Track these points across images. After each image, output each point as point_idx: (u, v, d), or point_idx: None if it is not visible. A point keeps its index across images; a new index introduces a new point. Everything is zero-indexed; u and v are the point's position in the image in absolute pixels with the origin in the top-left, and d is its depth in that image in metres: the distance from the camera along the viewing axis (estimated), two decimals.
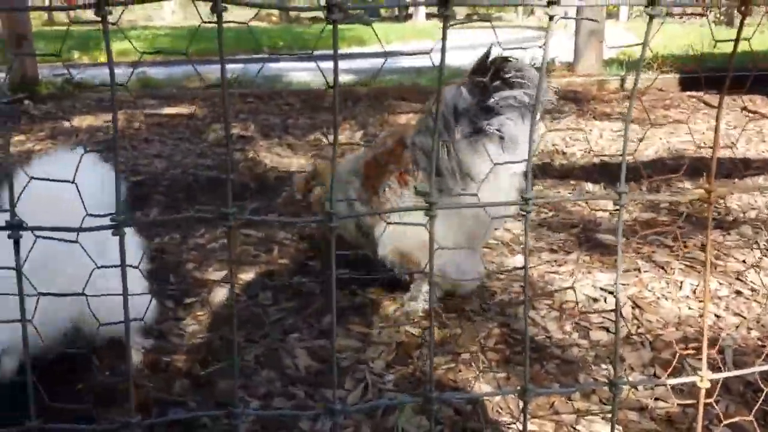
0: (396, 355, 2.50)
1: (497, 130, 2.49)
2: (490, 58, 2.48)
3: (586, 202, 3.98)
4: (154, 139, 5.95)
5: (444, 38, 0.95)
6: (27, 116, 6.97)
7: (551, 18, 0.98)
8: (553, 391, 2.26)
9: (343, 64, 10.70)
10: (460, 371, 2.40)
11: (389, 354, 2.51)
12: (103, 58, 12.49)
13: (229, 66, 10.46)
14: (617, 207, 1.09)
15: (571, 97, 7.36)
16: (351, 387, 2.31)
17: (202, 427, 2.07)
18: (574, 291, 2.94)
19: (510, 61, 2.49)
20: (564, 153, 5.23)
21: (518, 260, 3.29)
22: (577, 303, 2.87)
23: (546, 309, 2.82)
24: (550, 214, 3.89)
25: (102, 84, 8.37)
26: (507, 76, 2.46)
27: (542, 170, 4.75)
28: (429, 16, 28.94)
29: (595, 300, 2.92)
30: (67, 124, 6.29)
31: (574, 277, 3.09)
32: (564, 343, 2.59)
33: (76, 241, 1.00)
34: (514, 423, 2.13)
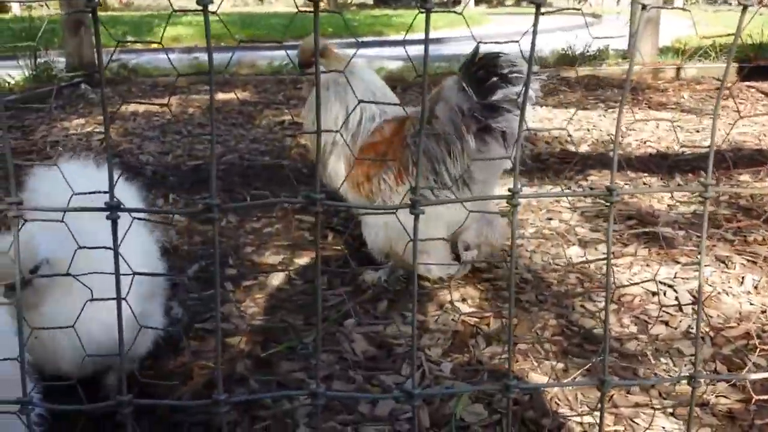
0: (452, 343, 2.51)
1: (504, 128, 2.52)
2: (479, 56, 2.48)
3: (671, 194, 3.92)
4: (208, 125, 6.05)
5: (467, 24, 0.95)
6: (85, 100, 7.15)
7: (538, 9, 0.95)
8: (632, 383, 2.23)
9: (391, 51, 10.76)
10: (517, 361, 2.40)
11: (445, 342, 2.52)
12: (155, 44, 12.72)
13: (279, 53, 10.55)
14: (683, 200, 1.08)
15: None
16: (407, 373, 2.33)
17: (262, 408, 2.13)
18: (656, 283, 2.90)
19: (500, 56, 2.49)
20: (619, 143, 5.14)
21: (574, 251, 3.26)
22: (657, 295, 2.83)
23: (603, 302, 2.79)
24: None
25: (159, 73, 8.54)
26: (503, 72, 2.47)
27: (599, 161, 4.68)
28: (478, 1, 28.61)
29: (654, 294, 2.87)
30: (125, 108, 6.44)
31: (654, 273, 3.05)
32: (623, 337, 2.56)
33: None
34: (573, 415, 2.12)
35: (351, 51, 11.13)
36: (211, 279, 2.70)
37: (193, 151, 5.18)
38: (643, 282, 2.93)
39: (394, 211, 1.04)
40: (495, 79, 2.48)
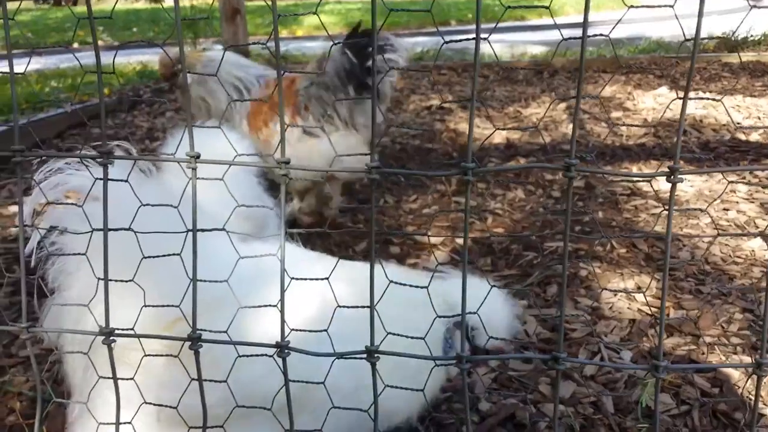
0: (630, 331, 2.44)
1: (379, 87, 3.14)
2: (361, 29, 3.07)
3: None
4: None
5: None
6: None
7: None
8: None
9: (534, 36, 10.52)
10: (703, 354, 2.29)
11: (622, 330, 2.45)
12: (300, 32, 13.18)
13: (419, 39, 10.58)
14: None
15: None
16: (585, 357, 2.29)
17: None
18: None
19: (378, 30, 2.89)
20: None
21: (755, 244, 3.06)
22: None
23: None
24: None
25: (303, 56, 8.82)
26: (380, 43, 3.06)
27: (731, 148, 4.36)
28: None
29: None
30: None
31: None
32: None
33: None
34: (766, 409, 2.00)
35: (491, 37, 10.92)
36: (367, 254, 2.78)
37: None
38: None
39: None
40: (372, 48, 2.83)
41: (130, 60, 8.99)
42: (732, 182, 3.74)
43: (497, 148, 4.82)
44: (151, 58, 8.30)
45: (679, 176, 0.97)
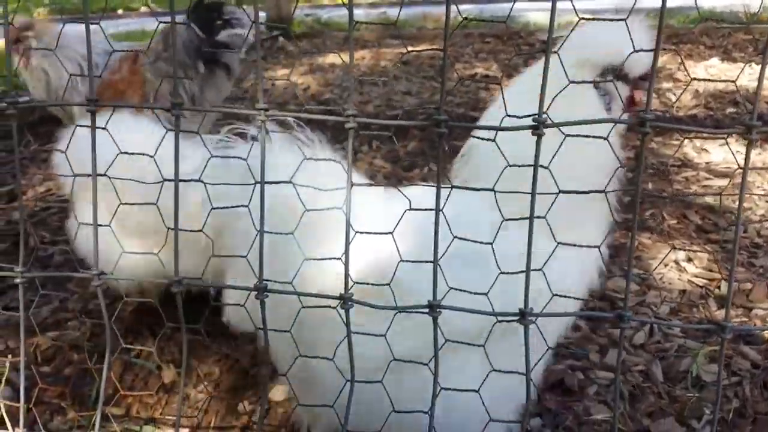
0: (680, 302, 2.42)
1: (228, 62, 3.17)
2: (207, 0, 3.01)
3: None
4: (401, 77, 6.18)
5: None
6: (284, 52, 7.56)
7: None
8: None
9: (581, 4, 10.31)
10: (755, 325, 2.27)
11: (672, 301, 2.43)
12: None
13: (463, 6, 10.41)
14: None
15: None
16: (636, 327, 2.28)
17: None
18: None
19: (224, 4, 3.07)
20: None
21: None
22: None
23: None
24: None
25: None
26: (226, 17, 3.06)
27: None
28: None
29: None
30: (325, 59, 6.74)
31: None
32: None
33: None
34: None
35: (535, 5, 10.83)
36: None
37: (391, 102, 5.32)
38: None
39: None
40: (219, 22, 3.06)
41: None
42: None
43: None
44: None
45: (755, 135, 0.96)
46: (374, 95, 5.57)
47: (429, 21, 9.08)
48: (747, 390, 1.98)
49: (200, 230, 1.26)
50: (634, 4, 1.15)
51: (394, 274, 1.20)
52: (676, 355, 2.12)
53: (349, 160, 1.13)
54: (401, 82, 6.08)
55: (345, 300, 1.14)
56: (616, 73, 1.37)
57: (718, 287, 2.49)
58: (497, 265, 1.14)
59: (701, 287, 2.51)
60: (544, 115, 0.98)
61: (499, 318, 1.11)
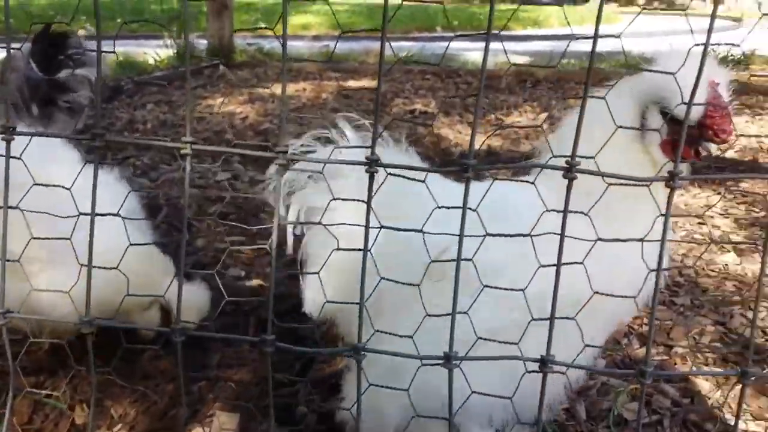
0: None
1: (69, 102, 2.88)
2: (51, 30, 2.70)
3: None
4: (341, 110, 6.20)
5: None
6: (224, 81, 7.50)
7: None
8: None
9: (518, 46, 10.56)
10: (675, 364, 2.33)
11: None
12: (288, 30, 13.12)
13: (404, 44, 10.60)
14: None
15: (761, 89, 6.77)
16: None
17: None
18: None
19: (70, 37, 2.74)
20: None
21: (728, 258, 3.11)
22: None
23: (765, 311, 2.65)
24: (762, 213, 3.63)
25: (296, 57, 8.81)
26: (70, 52, 2.77)
27: (750, 168, 4.44)
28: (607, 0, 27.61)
29: None
30: (264, 90, 6.71)
31: None
32: None
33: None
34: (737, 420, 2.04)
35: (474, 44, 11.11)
36: None
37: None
38: None
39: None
40: (62, 57, 2.75)
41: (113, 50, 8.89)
42: (709, 196, 3.81)
43: (478, 154, 4.85)
44: (133, 49, 8.20)
45: (677, 183, 0.98)
46: (313, 126, 5.55)
47: (371, 56, 9.18)
48: (667, 428, 2.02)
49: (116, 267, 1.21)
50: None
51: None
52: (598, 394, 2.15)
53: (279, 199, 1.11)
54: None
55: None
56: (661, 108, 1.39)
57: (640, 325, 2.55)
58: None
59: (626, 325, 2.56)
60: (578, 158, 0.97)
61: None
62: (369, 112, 6.18)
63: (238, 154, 1.34)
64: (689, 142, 1.41)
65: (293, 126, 5.56)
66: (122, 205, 1.23)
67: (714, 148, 1.41)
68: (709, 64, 1.25)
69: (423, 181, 1.08)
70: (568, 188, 1.00)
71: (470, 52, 10.19)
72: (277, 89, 6.82)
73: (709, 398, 2.15)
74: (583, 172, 1.01)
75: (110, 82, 6.95)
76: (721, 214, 3.58)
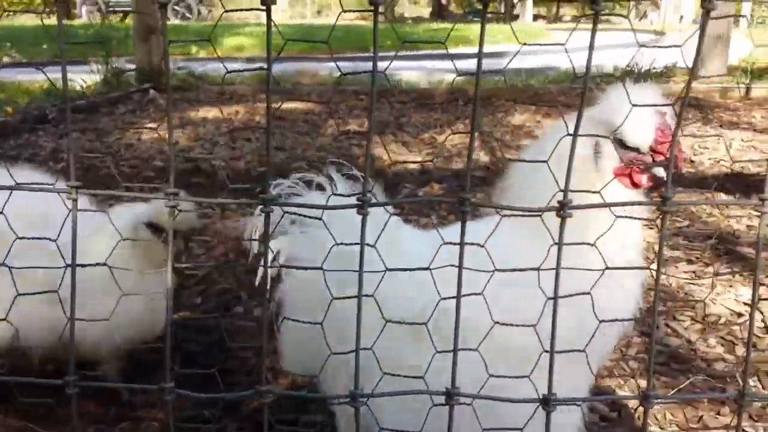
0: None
1: None
2: None
3: (720, 210, 3.83)
4: (275, 132, 6.15)
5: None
6: (154, 105, 7.36)
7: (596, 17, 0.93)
8: (674, 399, 2.20)
9: (449, 64, 10.64)
10: (602, 377, 2.37)
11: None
12: (219, 53, 13.01)
13: (342, 64, 10.67)
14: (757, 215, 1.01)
15: (694, 103, 7.06)
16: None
17: None
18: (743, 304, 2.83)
19: None
20: (692, 161, 5.03)
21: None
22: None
23: (689, 321, 2.73)
24: (686, 223, 3.75)
25: (228, 79, 8.74)
26: None
27: (675, 180, 4.59)
28: (536, 17, 28.48)
29: (740, 315, 2.80)
30: (194, 113, 6.61)
31: (714, 289, 2.98)
32: (709, 357, 2.51)
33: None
34: None
35: (408, 64, 11.17)
36: None
37: (263, 157, 5.27)
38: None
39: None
40: None
41: (37, 78, 8.62)
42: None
43: (412, 174, 4.88)
44: (59, 76, 7.96)
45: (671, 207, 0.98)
46: (246, 150, 5.50)
47: (304, 77, 9.17)
48: None
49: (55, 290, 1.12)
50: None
51: None
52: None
53: (168, 247, 1.06)
54: (275, 137, 6.05)
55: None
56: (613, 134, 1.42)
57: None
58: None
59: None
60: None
61: None
62: (303, 133, 6.16)
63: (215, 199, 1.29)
64: (644, 170, 1.45)
65: (225, 150, 5.49)
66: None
67: (664, 173, 1.45)
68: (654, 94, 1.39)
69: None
70: (561, 227, 0.97)
71: (404, 71, 10.29)
72: (208, 112, 6.73)
73: (636, 411, 2.19)
74: (576, 208, 0.99)
75: (34, 110, 6.72)
76: (645, 225, 3.69)
